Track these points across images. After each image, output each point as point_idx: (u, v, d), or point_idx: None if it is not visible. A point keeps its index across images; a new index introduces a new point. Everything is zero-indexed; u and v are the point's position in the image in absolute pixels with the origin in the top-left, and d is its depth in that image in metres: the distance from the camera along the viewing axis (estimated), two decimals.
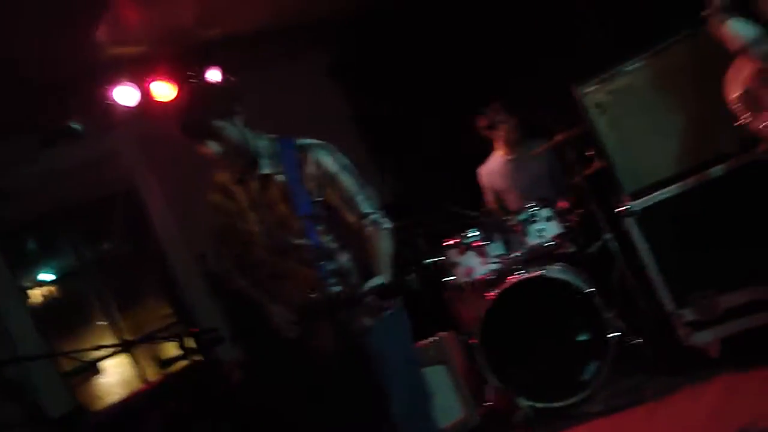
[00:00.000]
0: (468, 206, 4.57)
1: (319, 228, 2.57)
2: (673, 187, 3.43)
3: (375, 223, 2.58)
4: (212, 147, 2.52)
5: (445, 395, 4.19)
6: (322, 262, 2.51)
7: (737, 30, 2.67)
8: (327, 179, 2.59)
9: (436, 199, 4.82)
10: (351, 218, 2.60)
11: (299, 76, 5.79)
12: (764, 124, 2.66)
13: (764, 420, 2.77)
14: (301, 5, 5.14)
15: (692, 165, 3.41)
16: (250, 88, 2.77)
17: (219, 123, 2.51)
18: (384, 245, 2.56)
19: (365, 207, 2.59)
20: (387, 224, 2.61)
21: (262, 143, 2.62)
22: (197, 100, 2.63)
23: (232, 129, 2.54)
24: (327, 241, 2.60)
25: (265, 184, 2.62)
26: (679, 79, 3.41)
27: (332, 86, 6.23)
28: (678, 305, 3.45)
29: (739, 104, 2.79)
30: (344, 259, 2.65)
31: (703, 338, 3.43)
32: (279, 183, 2.59)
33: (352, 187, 2.60)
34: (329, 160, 2.60)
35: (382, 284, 2.36)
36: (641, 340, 3.86)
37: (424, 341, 4.25)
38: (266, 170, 2.60)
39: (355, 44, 5.87)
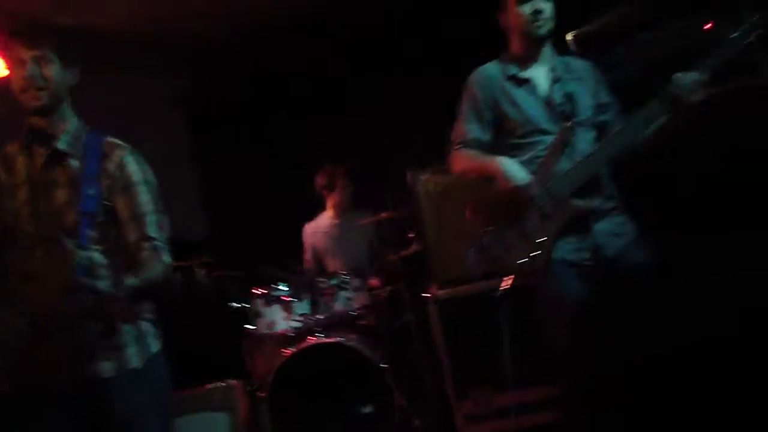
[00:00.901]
0: (284, 261, 4.57)
1: (93, 234, 2.19)
2: (472, 286, 3.55)
3: (156, 249, 2.29)
4: (30, 69, 2.22)
5: None
6: (83, 273, 2.10)
7: (514, 171, 2.62)
8: (124, 185, 2.31)
9: (255, 246, 4.80)
10: (132, 236, 2.30)
11: (142, 89, 5.56)
12: (521, 261, 2.62)
13: None
14: (161, 19, 4.98)
15: None
16: (87, 87, 2.53)
17: (51, 53, 2.24)
18: (155, 268, 2.27)
19: (152, 230, 2.30)
20: (168, 258, 2.33)
21: (72, 120, 2.34)
22: (43, 21, 2.32)
23: (59, 72, 2.26)
24: (96, 250, 2.17)
25: (53, 162, 2.30)
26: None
27: (173, 108, 6.03)
28: (459, 396, 3.59)
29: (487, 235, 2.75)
30: (106, 282, 2.15)
31: (477, 431, 3.59)
32: (70, 167, 2.29)
33: (146, 204, 2.32)
34: (135, 168, 2.34)
35: (137, 284, 2.15)
36: (421, 422, 3.95)
37: (212, 384, 4.13)
38: (62, 146, 2.29)
39: (210, 74, 5.76)
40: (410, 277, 4.21)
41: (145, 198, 2.34)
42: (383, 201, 4.44)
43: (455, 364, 3.59)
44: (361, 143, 5.21)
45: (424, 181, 3.71)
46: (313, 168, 4.83)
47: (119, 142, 2.39)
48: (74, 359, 2.20)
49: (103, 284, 2.14)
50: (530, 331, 3.07)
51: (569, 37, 3.57)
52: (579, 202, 2.59)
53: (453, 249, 3.62)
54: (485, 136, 2.77)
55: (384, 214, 4.31)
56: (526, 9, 2.68)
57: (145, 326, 2.33)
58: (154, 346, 2.37)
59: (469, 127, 2.78)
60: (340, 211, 4.83)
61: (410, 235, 4.30)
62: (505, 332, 3.01)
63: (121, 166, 2.32)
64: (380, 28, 5.04)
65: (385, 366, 3.89)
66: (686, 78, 2.48)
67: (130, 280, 2.17)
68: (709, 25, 3.34)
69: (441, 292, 3.60)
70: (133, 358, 2.29)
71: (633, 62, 3.39)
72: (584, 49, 3.48)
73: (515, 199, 2.61)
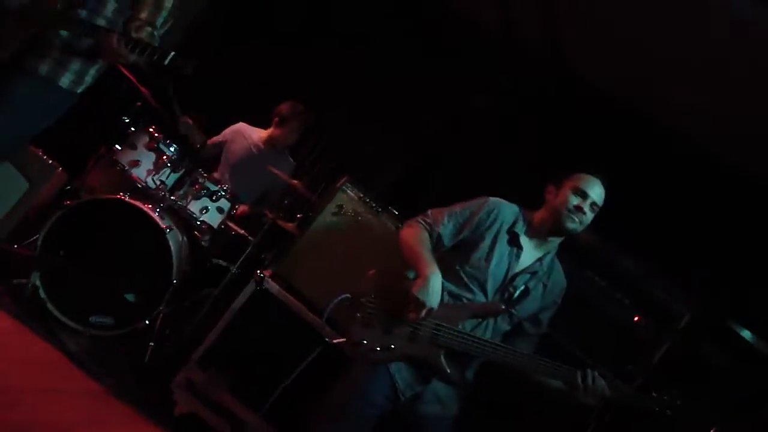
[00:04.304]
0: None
1: None
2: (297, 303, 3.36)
3: None
4: None
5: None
6: None
7: (433, 290, 2.46)
8: None
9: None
10: None
11: None
12: (363, 343, 2.53)
13: None
14: None
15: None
16: None
17: None
18: None
19: None
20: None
21: None
22: None
23: None
24: None
25: None
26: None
27: None
28: (200, 363, 3.38)
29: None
30: None
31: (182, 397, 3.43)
32: None
33: None
34: None
35: None
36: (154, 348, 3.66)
37: (43, 154, 3.81)
38: None
39: None
40: (264, 243, 3.99)
41: None
42: (307, 170, 4.27)
43: (220, 341, 3.37)
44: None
45: (347, 197, 3.46)
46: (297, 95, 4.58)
47: None
48: None
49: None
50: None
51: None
52: (442, 360, 2.49)
53: (314, 265, 3.42)
54: (447, 243, 2.66)
55: (297, 182, 4.09)
56: (574, 200, 2.59)
57: None
58: None
59: (446, 225, 2.66)
60: (271, 146, 4.57)
61: (299, 216, 4.11)
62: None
63: None
64: None
65: (175, 282, 3.67)
66: (595, 384, 2.41)
67: None
68: (636, 318, 3.35)
69: (269, 283, 3.35)
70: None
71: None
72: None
73: (411, 304, 2.48)
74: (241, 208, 4.32)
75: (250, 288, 3.40)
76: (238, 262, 3.91)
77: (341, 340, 2.59)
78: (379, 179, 3.92)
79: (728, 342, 3.64)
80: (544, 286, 2.65)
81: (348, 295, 2.69)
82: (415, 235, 2.63)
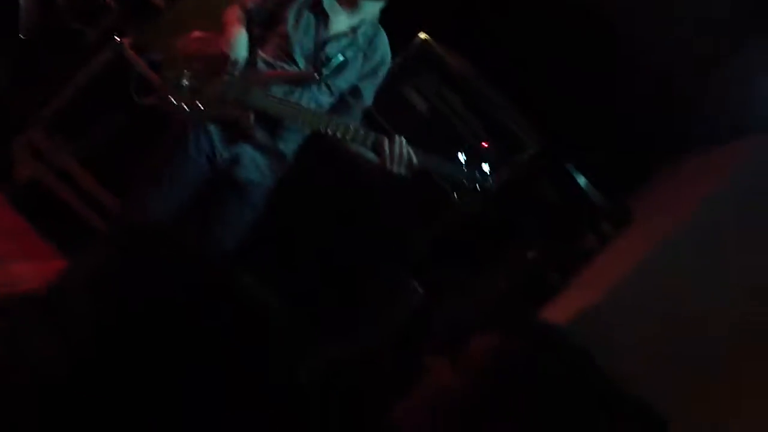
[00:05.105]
0: None
1: None
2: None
3: None
4: None
5: None
6: None
7: (239, 44, 2.51)
8: None
9: None
10: None
11: None
12: (175, 98, 2.52)
13: None
14: None
15: None
16: None
17: None
18: None
19: None
20: None
21: None
22: None
23: None
24: None
25: None
26: None
27: None
28: (50, 126, 3.29)
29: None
30: None
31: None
32: None
33: None
34: None
35: None
36: None
37: None
38: None
39: None
40: (126, 12, 3.71)
41: None
42: None
43: (71, 102, 3.25)
44: None
45: None
46: None
47: None
48: None
49: None
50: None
51: (423, 35, 3.46)
52: (252, 122, 2.51)
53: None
54: (256, 16, 2.61)
55: None
56: None
57: None
58: None
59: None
60: None
61: None
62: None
63: None
64: None
65: (22, 38, 3.37)
66: (402, 150, 2.45)
67: None
68: (486, 144, 3.49)
69: (126, 51, 3.22)
70: None
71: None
72: (418, 56, 3.40)
73: (218, 60, 2.48)
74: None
75: (106, 55, 3.23)
76: (98, 26, 3.63)
77: (151, 100, 2.58)
78: None
79: (562, 182, 3.88)
80: (365, 55, 2.67)
81: (159, 55, 2.73)
82: (229, 12, 2.65)
